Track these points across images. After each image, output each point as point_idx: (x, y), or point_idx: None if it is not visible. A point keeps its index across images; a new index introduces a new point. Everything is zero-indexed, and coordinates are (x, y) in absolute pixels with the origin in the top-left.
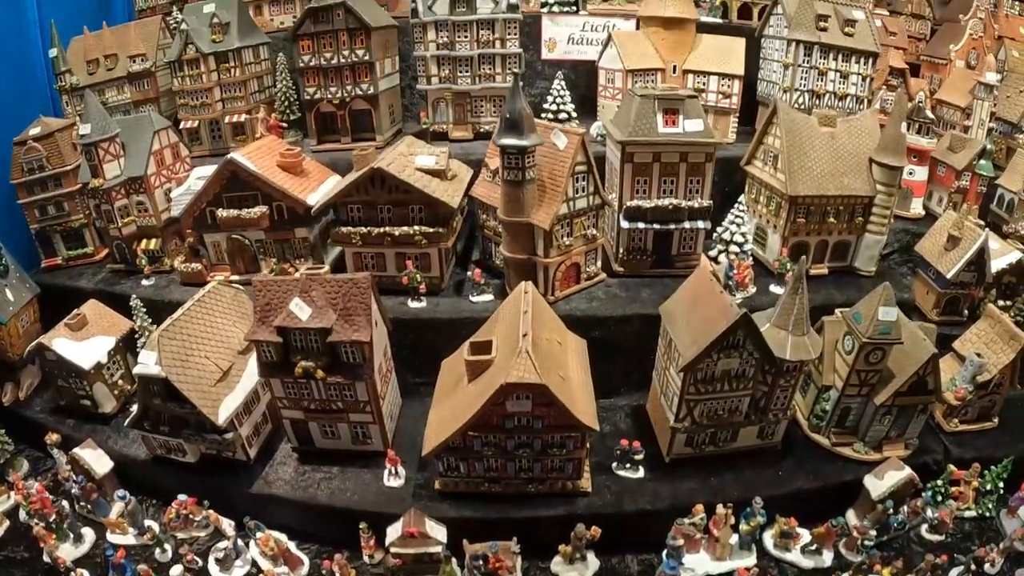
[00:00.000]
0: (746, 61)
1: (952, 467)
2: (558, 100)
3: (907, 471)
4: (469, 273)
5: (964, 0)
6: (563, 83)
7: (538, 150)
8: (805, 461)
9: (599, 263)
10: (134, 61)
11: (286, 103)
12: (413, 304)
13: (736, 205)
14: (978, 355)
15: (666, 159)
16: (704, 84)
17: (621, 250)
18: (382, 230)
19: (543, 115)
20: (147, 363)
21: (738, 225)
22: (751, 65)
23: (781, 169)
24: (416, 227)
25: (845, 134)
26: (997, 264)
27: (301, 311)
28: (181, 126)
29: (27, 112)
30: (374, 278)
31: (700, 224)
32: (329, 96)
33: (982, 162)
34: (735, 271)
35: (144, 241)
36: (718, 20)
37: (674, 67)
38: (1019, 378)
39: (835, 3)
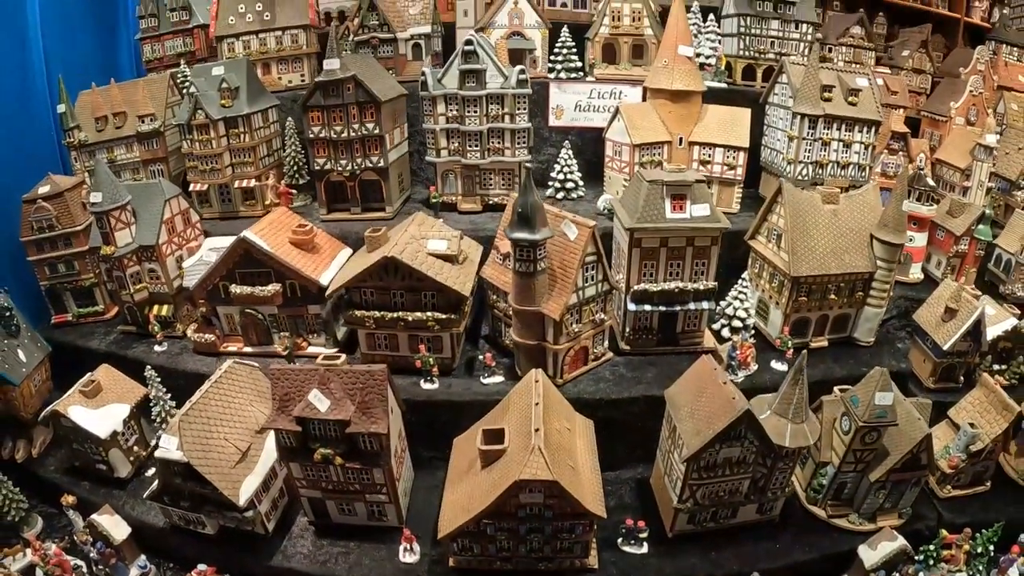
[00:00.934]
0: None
1: (944, 532)
2: (565, 169)
3: (900, 541)
4: (480, 357)
5: (964, 53)
6: (570, 152)
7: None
8: (802, 533)
9: (606, 342)
10: (143, 121)
11: (295, 167)
12: (426, 385)
13: (740, 281)
14: (972, 425)
15: (673, 243)
16: (709, 156)
17: (627, 329)
18: (396, 315)
19: (550, 183)
20: (169, 448)
21: (741, 301)
22: (755, 130)
23: (784, 249)
24: (429, 313)
25: (847, 210)
26: (993, 332)
27: (320, 403)
28: (191, 188)
29: (35, 168)
30: (387, 358)
31: (705, 305)
32: (339, 168)
33: (981, 227)
34: (738, 352)
35: (156, 307)
36: (723, 85)
37: (680, 139)
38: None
39: (839, 71)
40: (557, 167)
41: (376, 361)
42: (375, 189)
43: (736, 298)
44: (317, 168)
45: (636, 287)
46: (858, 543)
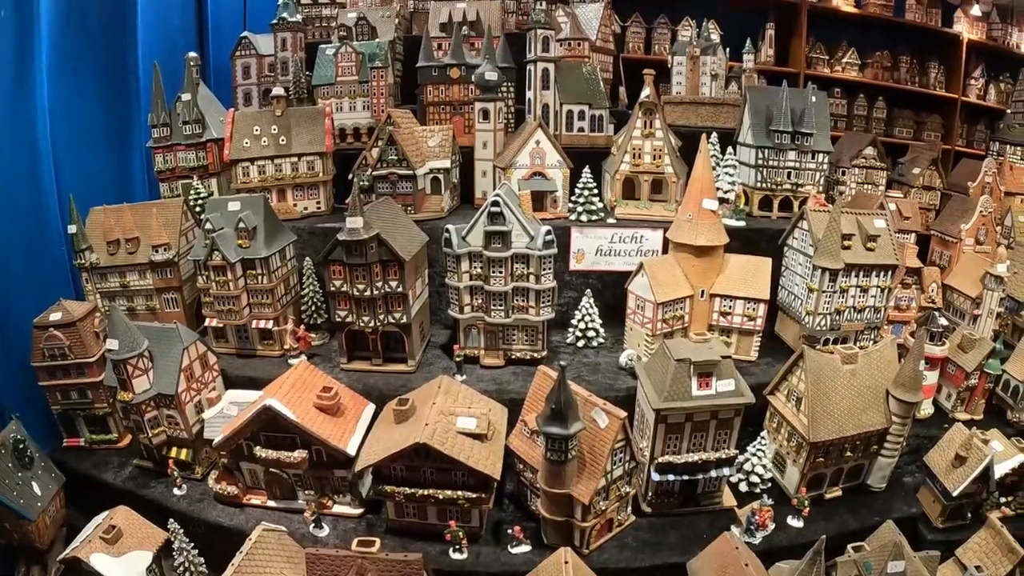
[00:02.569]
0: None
1: None
2: (586, 317)
3: None
4: (509, 531)
5: (971, 164)
6: (591, 300)
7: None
8: None
9: (629, 508)
10: (157, 251)
11: (313, 306)
12: (455, 556)
13: (759, 439)
14: (978, 568)
15: (698, 418)
16: (730, 308)
17: (650, 493)
18: (426, 492)
19: (570, 330)
20: None
21: (759, 458)
22: (773, 267)
23: (804, 413)
24: (460, 492)
25: (865, 368)
26: (1001, 469)
27: None
28: (207, 323)
29: (46, 287)
30: (415, 525)
31: (726, 471)
32: (362, 325)
33: (991, 361)
34: (757, 516)
35: (175, 450)
36: (743, 223)
37: (702, 292)
38: None
39: (857, 214)
40: (578, 314)
41: (404, 527)
42: (397, 340)
43: (755, 455)
44: (338, 320)
45: (661, 459)
46: None
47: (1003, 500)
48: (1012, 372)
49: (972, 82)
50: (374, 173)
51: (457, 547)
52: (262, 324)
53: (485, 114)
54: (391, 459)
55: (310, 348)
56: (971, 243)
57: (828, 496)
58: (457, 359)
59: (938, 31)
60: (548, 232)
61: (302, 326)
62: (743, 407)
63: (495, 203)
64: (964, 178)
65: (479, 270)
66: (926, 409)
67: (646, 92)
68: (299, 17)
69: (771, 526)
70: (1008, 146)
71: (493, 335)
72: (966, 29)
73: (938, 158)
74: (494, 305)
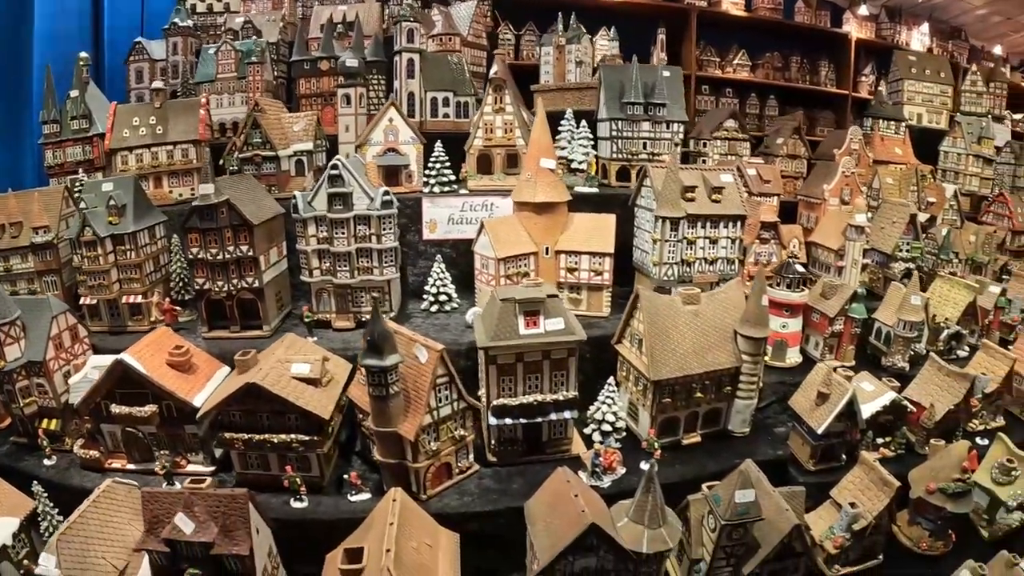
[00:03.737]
0: (623, 229)
1: None
2: (438, 282)
3: None
4: (346, 477)
5: (839, 135)
6: (443, 265)
7: (406, 362)
8: None
9: (471, 456)
10: (37, 233)
11: (181, 283)
12: (296, 504)
13: (607, 386)
14: (852, 504)
15: (529, 358)
16: (576, 263)
17: (493, 441)
18: (262, 437)
19: (424, 296)
20: (47, 567)
21: (609, 405)
22: (629, 231)
23: (645, 353)
24: (293, 435)
25: (710, 309)
26: (870, 408)
27: (185, 525)
28: (81, 301)
29: None
30: (260, 477)
31: (567, 414)
32: (217, 290)
33: (855, 305)
34: (602, 458)
35: (46, 421)
36: (594, 189)
37: (547, 249)
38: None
39: (703, 170)
40: (431, 280)
41: (249, 480)
42: (253, 308)
43: (604, 403)
44: (198, 287)
45: (496, 402)
46: None
47: (881, 441)
48: (882, 319)
49: (863, 79)
50: (240, 155)
51: (298, 496)
52: (132, 299)
53: (347, 99)
54: (226, 403)
55: (177, 322)
56: (835, 203)
57: (686, 442)
58: (307, 320)
59: (827, 31)
60: (386, 192)
61: (168, 299)
62: (576, 346)
63: (334, 167)
64: (831, 147)
65: (325, 233)
66: (792, 358)
67: (495, 69)
68: (190, 23)
69: (620, 470)
70: (880, 120)
71: (343, 298)
72: (855, 29)
73: (800, 127)
74: (340, 266)
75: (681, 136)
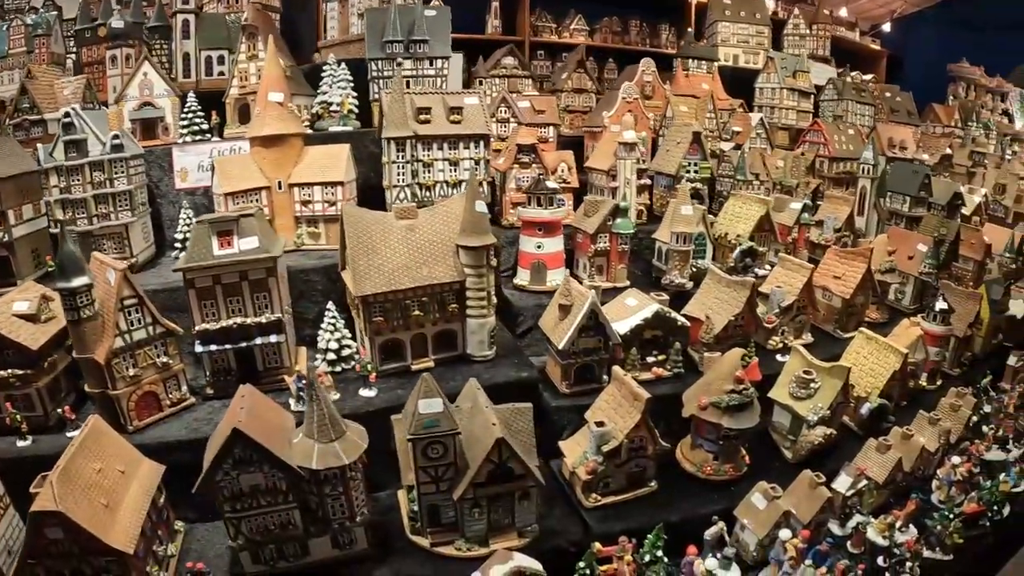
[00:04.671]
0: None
1: (597, 544)
2: (184, 228)
3: (514, 563)
4: (60, 411)
5: (633, 69)
6: (190, 212)
7: (99, 286)
8: (405, 566)
9: (184, 388)
10: None
11: None
12: (20, 443)
13: (327, 311)
14: (599, 424)
15: (227, 280)
16: (310, 195)
17: (207, 372)
18: None
19: (175, 244)
20: None
21: (331, 332)
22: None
23: (349, 269)
24: (10, 370)
25: (428, 223)
26: (630, 323)
27: None
28: None
29: None
30: None
31: (274, 338)
32: None
33: (619, 221)
34: (304, 382)
35: None
36: (348, 128)
37: (280, 183)
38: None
39: (443, 93)
40: (179, 225)
41: None
42: (5, 263)
43: (326, 330)
44: None
45: (199, 327)
46: (471, 571)
47: (652, 359)
48: (661, 237)
49: (663, 32)
50: (11, 122)
51: (21, 434)
52: None
53: (114, 61)
54: None
55: None
56: (618, 130)
57: (416, 367)
58: (50, 268)
59: None
60: (115, 136)
61: None
62: (273, 264)
63: (67, 114)
64: (623, 81)
65: (64, 183)
66: (554, 280)
67: (246, 16)
68: None
69: (335, 394)
70: (690, 60)
71: (86, 246)
72: None
73: (582, 60)
74: (79, 213)
75: (446, 73)
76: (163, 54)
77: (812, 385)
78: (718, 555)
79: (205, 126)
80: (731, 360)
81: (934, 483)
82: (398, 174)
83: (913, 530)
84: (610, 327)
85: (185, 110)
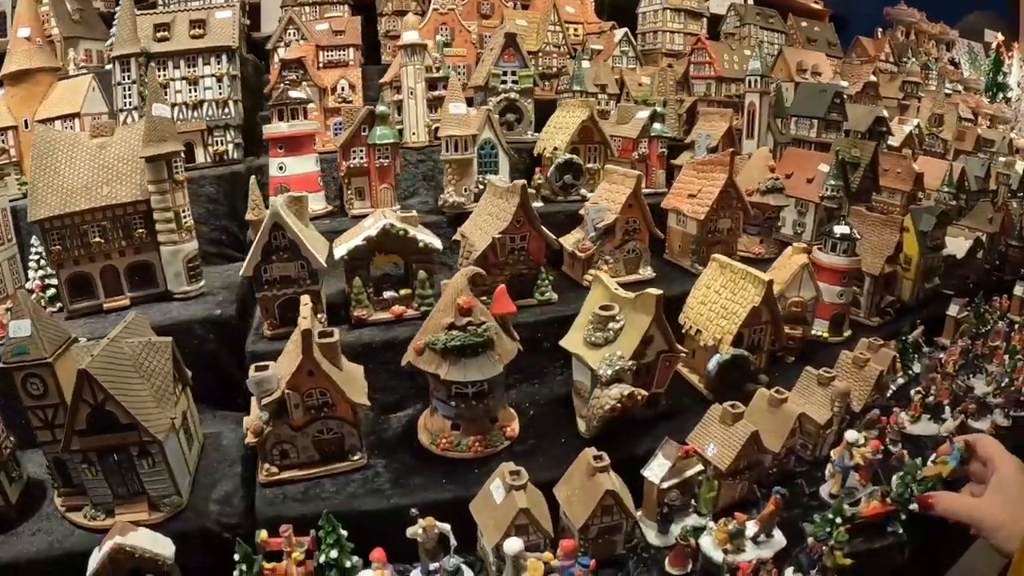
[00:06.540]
0: None
1: (264, 533)
2: None
3: (120, 539)
4: None
5: None
6: None
7: None
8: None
9: None
10: None
11: None
12: None
13: (31, 247)
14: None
15: None
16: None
17: None
18: None
19: None
20: None
21: (35, 270)
22: None
23: (28, 193)
24: None
25: (122, 141)
26: (348, 246)
27: None
28: None
29: None
30: None
31: None
32: None
33: (377, 130)
34: None
35: None
36: None
37: (25, 121)
38: None
39: (188, 10)
40: None
41: None
42: None
43: (29, 268)
44: None
45: None
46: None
47: (391, 294)
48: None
49: None
50: None
51: None
52: None
53: None
54: None
55: None
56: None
57: (108, 306)
58: None
59: None
60: None
61: None
62: None
63: None
64: None
65: None
66: (315, 205)
67: None
68: None
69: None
70: None
71: None
72: None
73: None
74: None
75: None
76: None
77: (612, 325)
78: (431, 566)
79: None
80: (456, 285)
81: (827, 470)
82: (123, 97)
83: (778, 539)
84: (305, 246)
85: None
